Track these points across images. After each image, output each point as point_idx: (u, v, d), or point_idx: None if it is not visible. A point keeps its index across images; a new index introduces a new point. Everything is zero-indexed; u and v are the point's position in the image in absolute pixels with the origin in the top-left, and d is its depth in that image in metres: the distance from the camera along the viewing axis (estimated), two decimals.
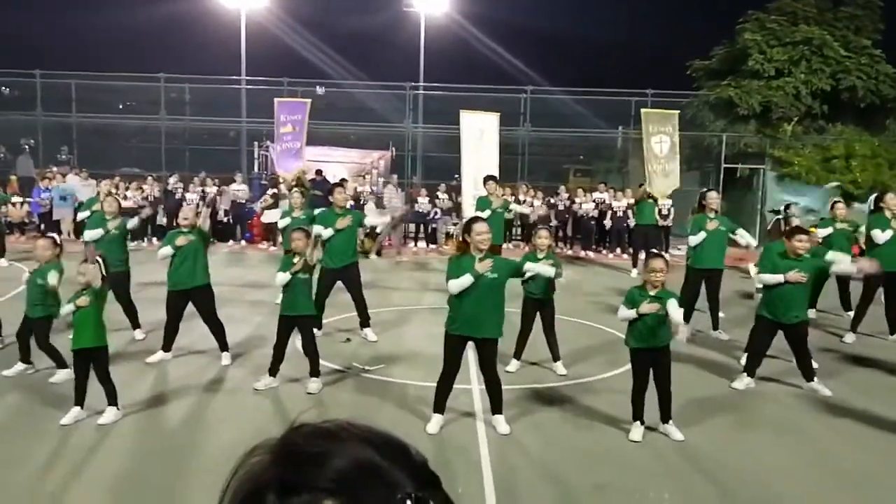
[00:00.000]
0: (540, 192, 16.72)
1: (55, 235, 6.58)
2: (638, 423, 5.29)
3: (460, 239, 5.42)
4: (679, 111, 15.83)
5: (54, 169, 16.73)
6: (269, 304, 8.82)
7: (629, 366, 5.45)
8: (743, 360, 6.82)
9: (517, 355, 6.86)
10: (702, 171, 19.00)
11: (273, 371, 6.14)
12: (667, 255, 6.01)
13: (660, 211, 13.66)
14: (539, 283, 6.60)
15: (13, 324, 6.50)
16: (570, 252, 15.74)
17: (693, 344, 8.01)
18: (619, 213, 15.37)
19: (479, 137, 14.39)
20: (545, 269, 5.86)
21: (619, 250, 15.65)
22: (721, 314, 8.48)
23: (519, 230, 16.60)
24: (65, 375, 6.00)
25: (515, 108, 19.48)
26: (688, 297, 8.26)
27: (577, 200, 16.22)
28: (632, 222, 14.20)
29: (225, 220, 16.20)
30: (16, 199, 14.80)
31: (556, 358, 6.86)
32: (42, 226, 14.06)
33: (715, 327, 8.40)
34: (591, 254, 15.65)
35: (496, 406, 5.39)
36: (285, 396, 6.00)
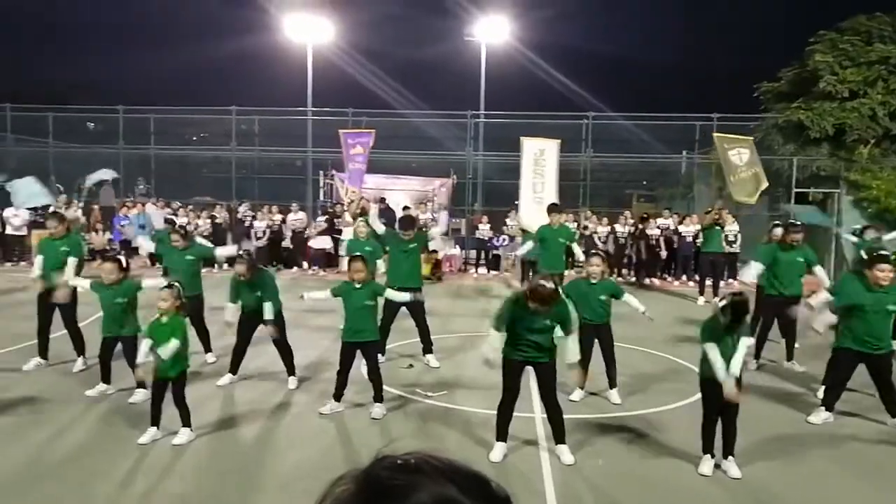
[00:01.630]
0: (605, 217, 16.52)
1: (121, 258, 6.88)
2: (708, 456, 5.13)
3: (528, 290, 5.30)
4: (748, 135, 15.49)
5: (134, 198, 17.60)
6: (334, 329, 8.97)
7: (696, 397, 5.31)
8: (820, 393, 6.54)
9: (580, 384, 6.77)
10: (771, 196, 18.43)
11: (338, 396, 6.24)
12: (735, 283, 5.86)
13: (727, 237, 13.32)
14: (594, 309, 6.54)
15: (96, 345, 6.81)
16: (633, 279, 15.47)
17: (765, 374, 7.75)
18: (687, 239, 15.06)
19: (539, 163, 14.43)
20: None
21: (684, 277, 15.30)
22: (797, 344, 8.16)
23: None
24: (142, 395, 6.27)
25: (577, 134, 19.42)
26: (761, 326, 8.01)
27: (641, 227, 15.96)
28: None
29: (290, 247, 16.65)
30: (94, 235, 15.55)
31: (612, 385, 6.76)
32: (122, 252, 14.75)
33: (789, 358, 8.09)
34: (655, 281, 15.34)
35: (559, 435, 5.34)
36: (350, 421, 6.09)
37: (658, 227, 15.74)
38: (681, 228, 15.35)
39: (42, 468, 4.97)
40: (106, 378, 6.63)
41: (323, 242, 16.22)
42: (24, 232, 15.82)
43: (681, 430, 5.74)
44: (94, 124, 23.12)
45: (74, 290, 7.34)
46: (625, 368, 7.32)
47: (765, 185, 14.18)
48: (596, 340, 6.68)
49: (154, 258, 12.09)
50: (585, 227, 16.03)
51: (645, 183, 24.29)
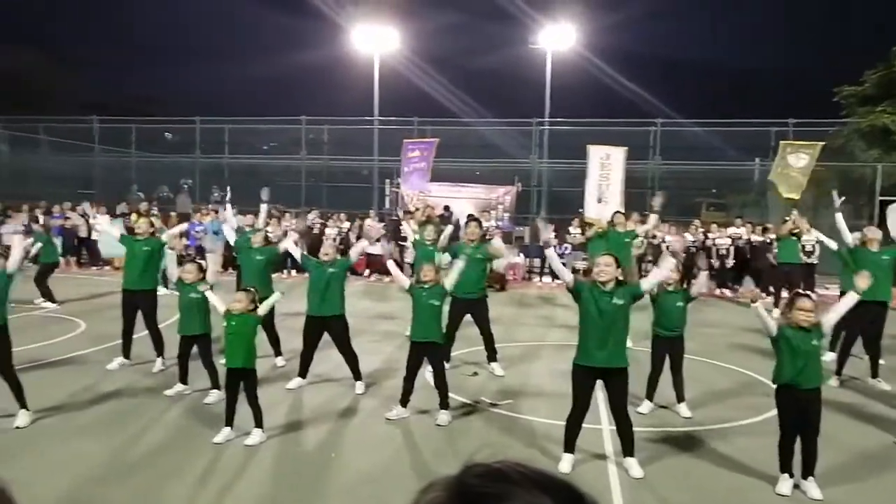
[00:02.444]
0: (673, 226, 16.13)
1: (201, 261, 7.19)
2: (786, 475, 4.93)
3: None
4: (824, 141, 14.84)
5: (208, 206, 18.29)
6: (398, 335, 9.09)
7: (772, 413, 5.12)
8: None
9: (649, 396, 6.63)
10: (855, 204, 17.61)
11: (404, 401, 6.31)
12: (814, 295, 5.63)
13: (804, 247, 12.79)
14: (670, 320, 6.41)
15: (175, 346, 7.10)
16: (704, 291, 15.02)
17: (848, 390, 7.40)
18: (760, 249, 14.53)
19: (605, 167, 14.23)
20: (659, 275, 5.72)
21: (757, 289, 14.75)
22: (881, 361, 7.77)
23: (650, 265, 16.07)
24: (217, 396, 6.51)
25: (644, 141, 19.07)
26: (845, 339, 7.65)
27: (711, 235, 15.50)
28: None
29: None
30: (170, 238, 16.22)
31: (680, 399, 6.60)
32: (197, 257, 15.35)
33: (874, 375, 7.69)
34: (726, 291, 14.87)
35: (627, 448, 5.24)
36: (415, 427, 6.14)
37: (729, 237, 15.25)
38: (753, 238, 14.83)
39: (125, 463, 5.22)
40: (183, 378, 6.91)
41: (379, 249, 16.44)
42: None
43: (756, 447, 5.55)
44: (173, 135, 24.17)
45: (154, 292, 7.68)
46: (694, 382, 7.14)
47: (795, 196, 13.67)
48: (667, 354, 6.53)
49: (227, 263, 12.51)
50: (654, 236, 15.68)
51: (714, 191, 23.59)
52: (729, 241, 15.19)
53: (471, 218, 9.09)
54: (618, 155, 14.40)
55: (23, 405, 5.94)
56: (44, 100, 32.46)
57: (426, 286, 6.27)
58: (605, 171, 14.24)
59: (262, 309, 5.96)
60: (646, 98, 30.47)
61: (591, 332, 5.15)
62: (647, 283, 5.63)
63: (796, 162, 13.80)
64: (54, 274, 12.22)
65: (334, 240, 16.58)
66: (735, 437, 6.00)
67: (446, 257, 8.37)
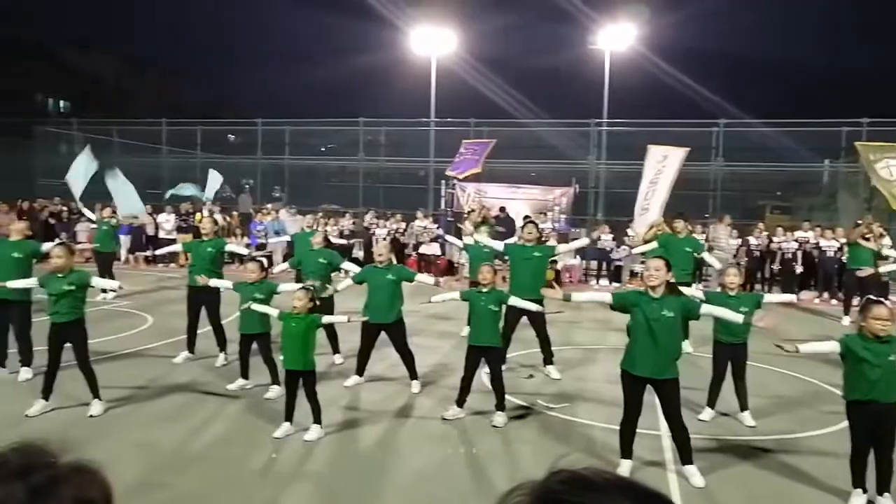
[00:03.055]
0: (735, 230, 15.69)
1: (263, 260, 7.38)
2: (859, 490, 4.72)
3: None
4: None
5: (269, 206, 18.75)
6: (455, 335, 9.12)
7: (842, 425, 4.91)
8: None
9: (710, 404, 6.46)
10: None
11: (460, 402, 6.32)
12: (888, 303, 5.35)
13: (878, 253, 12.22)
14: (733, 327, 6.19)
15: (237, 342, 7.30)
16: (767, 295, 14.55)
17: None
18: (829, 254, 13.98)
19: (658, 171, 13.86)
20: (728, 314, 5.38)
21: (826, 295, 14.20)
22: None
23: (711, 269, 15.66)
24: (277, 392, 6.66)
25: (706, 142, 18.57)
26: None
27: (776, 240, 15.00)
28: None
29: (412, 254, 17.06)
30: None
31: (743, 407, 6.39)
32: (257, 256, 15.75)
33: None
34: (792, 297, 14.32)
35: (685, 456, 5.11)
36: (471, 428, 6.14)
37: (796, 240, 14.72)
38: (822, 242, 14.27)
39: (190, 453, 5.39)
40: (245, 374, 7.09)
41: (432, 249, 16.54)
42: (173, 235, 17.22)
43: (825, 459, 5.34)
44: (235, 136, 24.89)
45: (218, 291, 7.91)
46: (759, 389, 6.92)
47: None
48: (730, 361, 6.33)
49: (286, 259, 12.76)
50: (715, 239, 15.28)
51: (779, 193, 22.83)
52: (795, 244, 14.67)
53: (527, 220, 9.06)
54: (675, 156, 14.00)
55: (96, 395, 6.21)
56: (117, 103, 33.88)
57: (484, 290, 6.25)
58: (657, 175, 13.84)
59: (326, 319, 6.06)
60: (708, 97, 29.73)
61: (638, 341, 5.03)
62: (708, 310, 5.34)
63: (889, 173, 12.98)
64: (120, 269, 12.74)
65: (385, 238, 16.80)
66: (802, 448, 5.79)
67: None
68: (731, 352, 6.31)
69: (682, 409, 5.33)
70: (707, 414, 6.42)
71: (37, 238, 10.10)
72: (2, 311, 7.21)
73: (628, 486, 0.70)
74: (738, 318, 5.33)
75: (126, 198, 12.53)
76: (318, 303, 5.96)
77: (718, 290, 6.61)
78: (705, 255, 9.63)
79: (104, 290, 11.90)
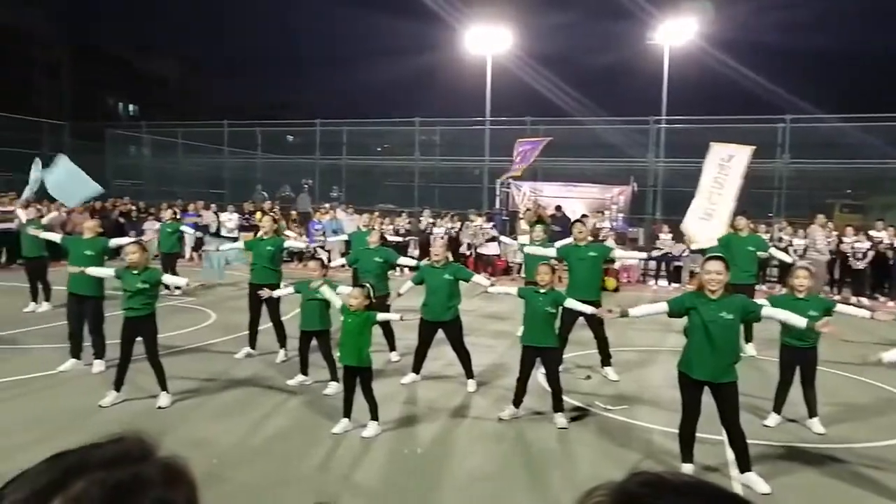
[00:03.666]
0: (800, 229, 15.12)
1: (323, 258, 7.50)
2: None
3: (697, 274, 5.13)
4: None
5: (326, 205, 19.07)
6: (511, 335, 9.07)
7: None
8: None
9: (777, 409, 6.24)
10: None
11: (517, 402, 6.29)
12: None
13: None
14: (801, 330, 5.94)
15: (297, 338, 7.44)
16: (838, 297, 13.97)
17: None
18: None
19: (723, 170, 13.41)
20: (791, 317, 5.15)
21: None
22: None
23: (776, 270, 15.16)
24: (335, 388, 6.76)
25: (771, 139, 17.97)
26: None
27: (847, 240, 14.39)
28: None
29: (468, 253, 17.07)
30: (289, 233, 17.04)
31: (812, 414, 6.14)
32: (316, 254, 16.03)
33: None
34: (864, 300, 13.73)
35: (743, 463, 4.94)
36: (527, 428, 6.10)
37: (869, 240, 14.09)
38: None
39: (251, 447, 5.53)
40: (304, 370, 7.23)
41: (492, 249, 16.48)
42: (235, 234, 17.71)
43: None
44: (294, 137, 25.41)
45: (277, 287, 8.07)
46: (829, 396, 6.65)
47: None
48: (798, 366, 6.10)
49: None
50: (780, 239, 14.77)
51: (850, 191, 21.87)
52: (867, 245, 14.04)
53: (578, 218, 8.98)
54: (742, 156, 13.52)
55: (164, 388, 6.45)
56: (181, 106, 35.06)
57: (542, 290, 6.20)
58: (721, 177, 13.36)
59: (381, 317, 6.13)
60: (774, 92, 28.74)
61: (695, 343, 4.90)
62: (769, 312, 5.14)
63: None
64: (184, 266, 13.18)
65: (442, 238, 16.85)
66: (875, 458, 5.53)
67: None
68: (799, 356, 6.07)
69: (747, 414, 5.18)
70: (773, 419, 6.21)
71: (107, 236, 10.47)
72: (77, 306, 7.55)
73: (710, 490, 0.69)
74: (802, 322, 5.12)
75: (74, 184, 9.53)
76: (373, 300, 6.02)
77: (784, 291, 6.36)
78: (773, 251, 9.28)
79: (170, 287, 12.35)
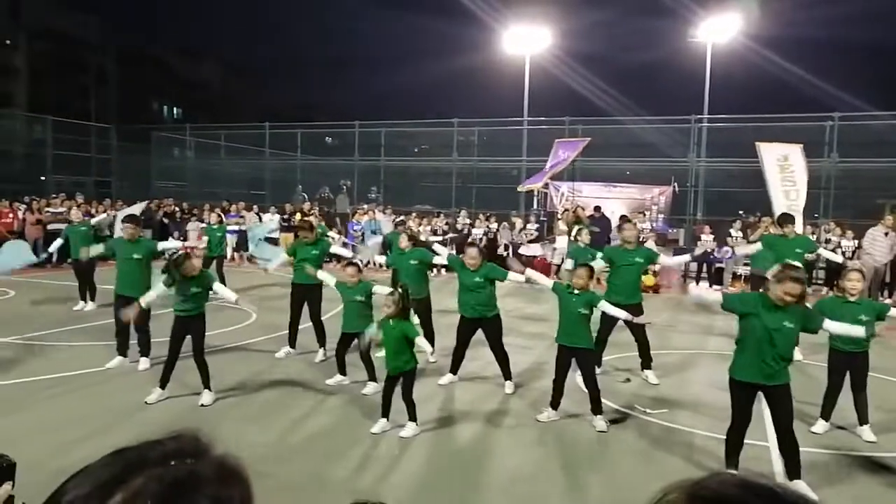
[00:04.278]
0: (849, 230, 14.69)
1: (359, 263, 7.56)
2: None
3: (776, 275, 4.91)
4: None
5: (365, 206, 19.22)
6: (549, 337, 8.97)
7: None
8: None
9: (825, 415, 6.07)
10: None
11: (555, 404, 6.24)
12: None
13: None
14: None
15: (335, 339, 7.51)
16: (889, 301, 13.51)
17: None
18: None
19: (786, 170, 13.13)
20: (851, 329, 5.03)
21: None
22: None
23: (822, 272, 14.76)
24: (373, 388, 6.81)
25: (819, 137, 17.49)
26: None
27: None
28: None
29: (506, 254, 17.02)
30: (332, 233, 17.24)
31: (863, 421, 5.94)
32: (357, 248, 16.17)
33: None
34: None
35: (793, 470, 4.80)
36: (565, 430, 6.05)
37: None
38: None
39: (290, 444, 5.60)
40: (342, 370, 7.29)
41: (534, 250, 16.39)
42: (276, 235, 17.94)
43: None
44: (333, 139, 25.68)
45: (320, 287, 8.16)
46: (881, 402, 6.45)
47: None
48: (848, 371, 5.92)
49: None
50: (827, 241, 14.37)
51: None
52: None
53: (624, 219, 8.83)
54: (796, 155, 13.22)
55: (207, 386, 6.58)
56: (224, 108, 35.74)
57: (576, 291, 6.14)
58: (789, 174, 13.08)
59: (419, 340, 5.88)
60: (821, 89, 27.97)
61: (750, 348, 4.77)
62: (829, 326, 4.99)
63: None
64: (227, 266, 13.44)
65: (480, 240, 16.83)
66: None
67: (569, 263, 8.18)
68: (849, 361, 5.89)
69: (794, 420, 5.04)
70: (821, 426, 6.04)
71: (152, 237, 10.69)
72: (125, 306, 7.73)
73: (791, 497, 0.69)
74: (861, 331, 5.00)
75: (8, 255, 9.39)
76: (408, 304, 5.95)
77: (832, 294, 6.17)
78: (822, 251, 9.02)
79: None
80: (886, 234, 13.59)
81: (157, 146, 26.89)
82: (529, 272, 6.99)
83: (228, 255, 17.73)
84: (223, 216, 13.61)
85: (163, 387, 6.56)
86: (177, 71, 42.49)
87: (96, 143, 26.09)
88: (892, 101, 18.52)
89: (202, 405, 6.44)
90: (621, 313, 6.53)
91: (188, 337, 6.56)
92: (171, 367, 6.54)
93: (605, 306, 6.38)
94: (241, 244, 18.05)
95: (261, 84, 43.29)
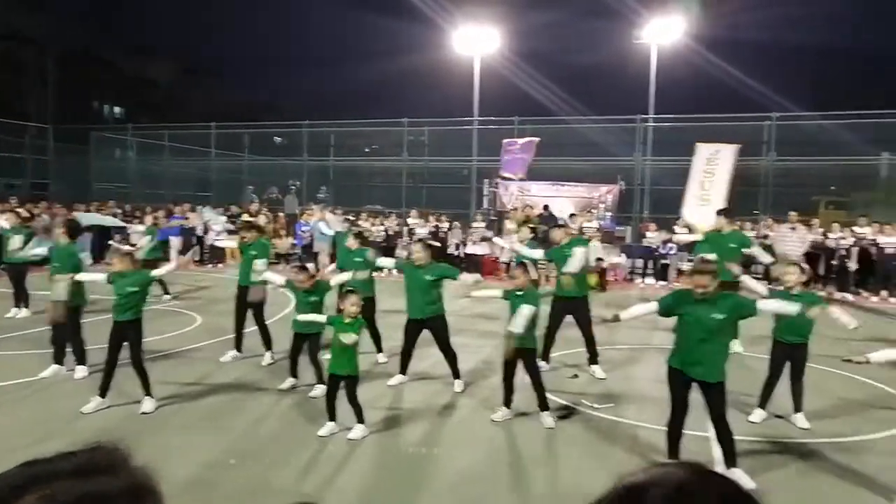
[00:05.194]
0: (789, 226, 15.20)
1: (309, 267, 7.46)
2: None
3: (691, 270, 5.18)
4: None
5: (314, 206, 18.99)
6: (498, 335, 9.04)
7: None
8: None
9: (762, 404, 6.27)
10: None
11: (506, 402, 6.27)
12: None
13: None
14: (794, 327, 6.00)
15: (282, 342, 7.40)
16: (823, 293, 14.06)
17: None
18: (888, 251, 13.44)
19: (711, 163, 13.53)
20: (784, 306, 5.25)
21: (884, 293, 13.65)
22: None
23: (761, 267, 15.22)
24: (322, 391, 6.71)
25: (758, 137, 18.08)
26: None
27: (832, 236, 14.49)
28: None
29: (456, 253, 17.06)
30: (277, 241, 16.92)
31: (797, 409, 6.19)
32: (303, 256, 15.97)
33: None
34: (848, 296, 13.84)
35: (728, 458, 4.96)
36: (515, 428, 6.09)
37: (855, 237, 14.19)
38: (880, 239, 13.72)
39: (237, 450, 5.48)
40: (294, 372, 7.17)
41: (480, 249, 16.49)
42: (222, 237, 17.59)
43: (881, 463, 5.12)
44: (282, 139, 25.32)
45: (265, 290, 8.02)
46: (815, 391, 6.68)
47: None
48: (789, 362, 6.15)
49: (333, 260, 12.90)
50: (765, 237, 14.86)
51: (834, 188, 22.06)
52: (852, 241, 14.15)
53: (557, 225, 9.05)
54: (727, 152, 13.66)
55: (148, 393, 6.39)
56: (168, 108, 34.84)
57: (518, 292, 6.18)
58: (711, 168, 13.51)
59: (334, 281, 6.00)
60: (759, 90, 28.89)
61: (684, 342, 4.94)
62: (763, 305, 5.16)
63: None
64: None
65: (421, 239, 16.79)
66: (858, 452, 5.57)
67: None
68: (791, 352, 6.12)
69: (733, 409, 5.20)
70: (758, 415, 6.24)
71: (93, 240, 10.27)
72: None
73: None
74: (794, 307, 5.20)
75: None
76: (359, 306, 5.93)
77: (780, 288, 6.38)
78: (754, 250, 9.32)
79: (166, 293, 12.28)
80: (793, 228, 14.26)
81: (98, 147, 26.03)
82: (478, 293, 7.05)
83: (172, 258, 17.32)
84: (158, 219, 13.25)
85: (102, 395, 6.34)
86: (122, 70, 41.25)
87: (32, 143, 25.12)
88: (826, 103, 19.22)
89: (143, 413, 6.26)
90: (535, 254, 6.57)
91: (126, 342, 6.36)
92: (110, 375, 6.33)
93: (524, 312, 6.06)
94: (186, 247, 17.64)
95: (207, 83, 42.37)
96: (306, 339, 7.03)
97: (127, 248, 6.54)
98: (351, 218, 15.08)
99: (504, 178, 17.69)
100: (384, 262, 8.56)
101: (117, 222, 17.80)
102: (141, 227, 14.63)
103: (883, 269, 13.76)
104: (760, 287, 6.52)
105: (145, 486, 0.74)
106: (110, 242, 13.35)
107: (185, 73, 43.65)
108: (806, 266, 6.79)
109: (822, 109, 18.67)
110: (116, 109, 42.92)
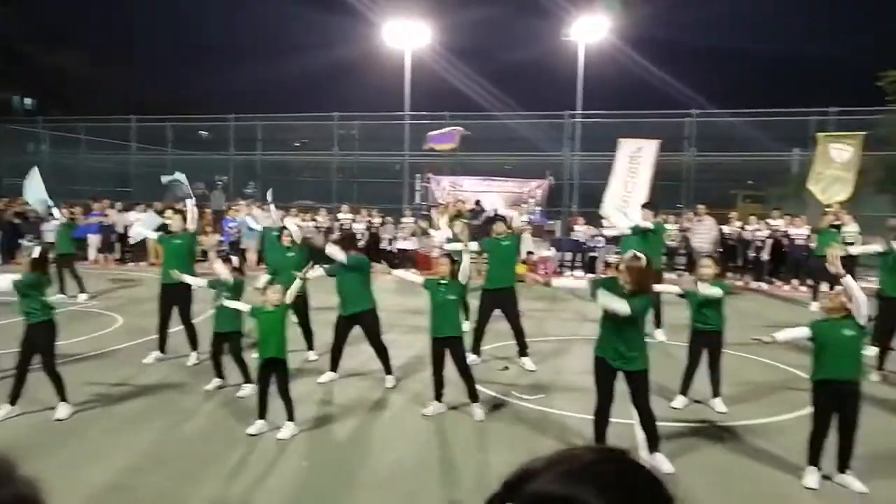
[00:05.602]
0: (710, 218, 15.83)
1: (232, 259, 7.26)
2: (814, 468, 4.84)
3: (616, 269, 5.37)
4: (869, 131, 14.33)
5: (241, 202, 18.52)
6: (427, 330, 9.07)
7: (809, 409, 5.00)
8: None
9: (683, 391, 6.53)
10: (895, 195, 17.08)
11: (438, 396, 6.29)
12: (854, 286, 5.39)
13: (844, 239, 12.42)
14: (708, 315, 6.29)
15: (207, 340, 7.19)
16: (740, 283, 14.73)
17: (889, 386, 7.20)
18: (798, 242, 14.18)
19: (634, 160, 13.96)
20: (614, 303, 4.93)
21: (795, 282, 14.41)
22: None
23: (685, 258, 15.82)
24: (250, 390, 6.58)
25: (679, 133, 18.75)
26: (884, 330, 7.47)
27: (749, 228, 15.19)
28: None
29: (388, 248, 16.99)
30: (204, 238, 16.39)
31: (716, 394, 6.49)
32: (231, 253, 15.55)
33: None
34: (763, 285, 14.55)
35: (651, 443, 5.16)
36: (445, 421, 6.13)
37: (769, 229, 14.91)
38: (791, 230, 14.47)
39: (162, 453, 5.31)
40: (219, 372, 6.99)
41: (412, 244, 16.48)
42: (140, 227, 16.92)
43: (792, 443, 5.42)
44: (207, 133, 24.54)
45: (189, 287, 7.78)
46: (732, 377, 7.01)
47: (843, 196, 12.87)
48: (705, 349, 6.43)
49: (260, 258, 12.64)
50: (687, 229, 15.44)
51: (751, 182, 23.10)
52: (766, 233, 14.87)
53: (497, 218, 9.13)
54: (650, 148, 14.11)
55: (63, 398, 6.09)
56: (83, 99, 33.21)
57: (443, 282, 6.23)
58: (634, 165, 13.95)
59: (289, 297, 6.00)
60: (680, 88, 29.96)
61: (606, 330, 5.14)
62: (600, 299, 5.00)
63: (839, 156, 13.25)
64: (89, 269, 12.53)
65: (363, 235, 16.68)
66: (772, 433, 5.88)
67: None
68: (706, 339, 6.39)
69: (656, 396, 5.39)
70: (680, 401, 6.49)
71: (4, 238, 9.72)
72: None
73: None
74: (625, 308, 4.89)
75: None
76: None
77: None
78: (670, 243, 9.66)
79: (82, 292, 11.73)
80: (700, 220, 14.95)
81: (7, 140, 24.55)
82: (398, 273, 7.09)
83: (91, 256, 16.61)
84: (74, 214, 12.64)
85: (12, 403, 6.01)
86: (30, 59, 39.02)
87: None
88: (741, 101, 20.10)
89: (58, 420, 5.96)
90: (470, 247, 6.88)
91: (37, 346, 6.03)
92: (21, 381, 6.00)
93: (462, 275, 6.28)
94: (105, 245, 16.92)
95: (124, 74, 40.63)
96: (227, 340, 6.87)
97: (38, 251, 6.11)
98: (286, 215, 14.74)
99: (428, 149, 17.33)
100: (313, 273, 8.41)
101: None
102: (54, 225, 13.91)
103: (793, 259, 14.50)
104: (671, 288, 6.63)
105: (30, 497, 0.71)
106: (20, 241, 12.67)
107: (102, 62, 41.71)
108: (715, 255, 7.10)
109: (737, 108, 19.51)
110: (27, 101, 40.64)
